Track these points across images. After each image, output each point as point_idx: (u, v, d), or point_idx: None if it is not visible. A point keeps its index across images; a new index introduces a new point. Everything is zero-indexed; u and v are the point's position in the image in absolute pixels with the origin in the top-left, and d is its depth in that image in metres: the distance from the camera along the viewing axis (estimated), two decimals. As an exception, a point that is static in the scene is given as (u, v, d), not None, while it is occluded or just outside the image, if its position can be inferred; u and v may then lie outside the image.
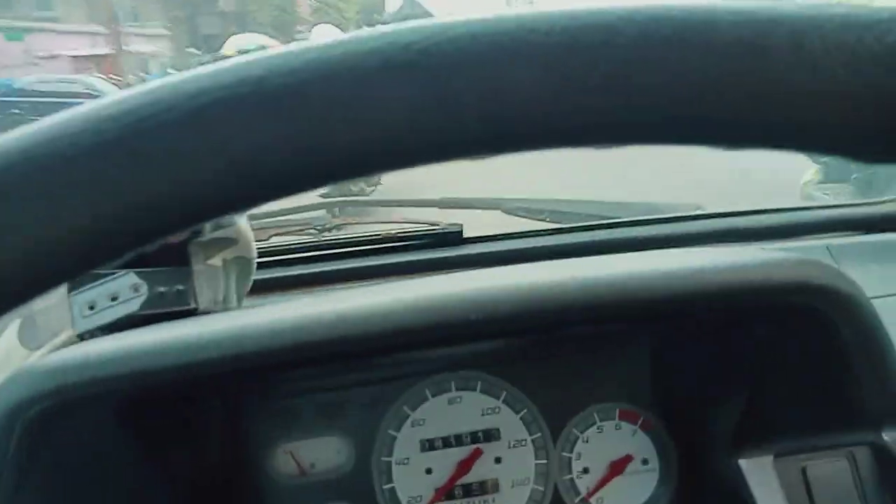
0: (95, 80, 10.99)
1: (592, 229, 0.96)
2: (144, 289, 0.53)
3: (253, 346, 0.43)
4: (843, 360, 0.51)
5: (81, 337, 0.50)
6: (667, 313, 0.58)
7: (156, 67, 18.44)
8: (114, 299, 0.51)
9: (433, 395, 0.67)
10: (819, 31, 0.18)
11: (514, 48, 0.18)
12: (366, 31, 0.19)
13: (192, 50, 19.55)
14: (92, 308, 0.51)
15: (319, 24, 5.38)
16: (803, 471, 0.57)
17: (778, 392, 0.57)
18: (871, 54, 0.17)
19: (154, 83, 0.18)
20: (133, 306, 0.53)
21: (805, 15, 0.18)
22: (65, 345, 0.48)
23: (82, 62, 16.63)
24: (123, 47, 17.28)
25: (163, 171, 0.17)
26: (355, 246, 0.91)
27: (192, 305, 0.59)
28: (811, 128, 0.19)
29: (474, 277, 0.71)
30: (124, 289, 0.52)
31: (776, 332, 0.54)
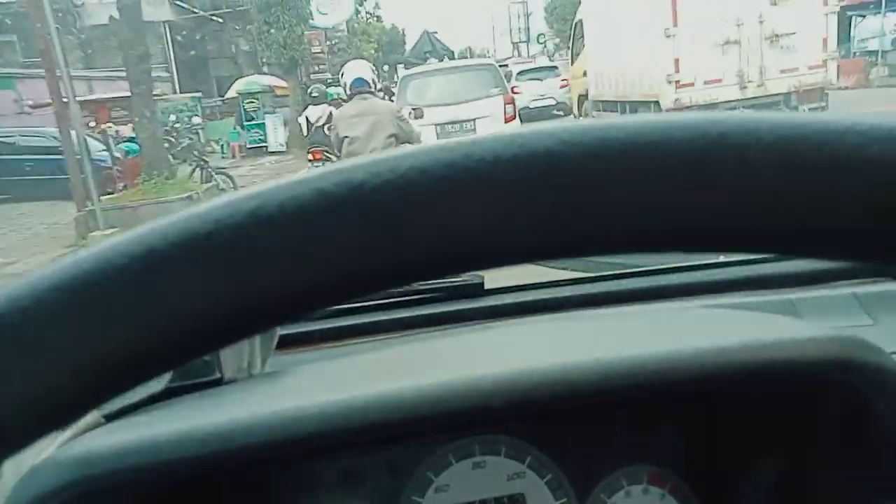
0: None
1: (616, 278, 0.95)
2: (169, 366, 0.53)
3: (278, 436, 0.43)
4: (879, 433, 0.49)
5: (108, 417, 0.50)
6: (695, 394, 0.57)
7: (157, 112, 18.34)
8: (139, 378, 0.52)
9: (457, 461, 0.66)
10: (758, 142, 0.18)
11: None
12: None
13: (197, 94, 19.78)
14: (118, 388, 0.51)
15: (352, 59, 5.24)
16: None
17: (813, 460, 0.56)
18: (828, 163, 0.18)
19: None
20: (159, 385, 0.53)
21: (745, 127, 0.18)
22: (90, 427, 0.48)
23: (91, 106, 16.31)
24: (116, 94, 16.62)
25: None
26: (377, 300, 0.91)
27: (217, 375, 0.59)
28: (758, 233, 0.19)
29: (493, 341, 0.70)
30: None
31: (810, 407, 0.53)
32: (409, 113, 5.09)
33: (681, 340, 0.50)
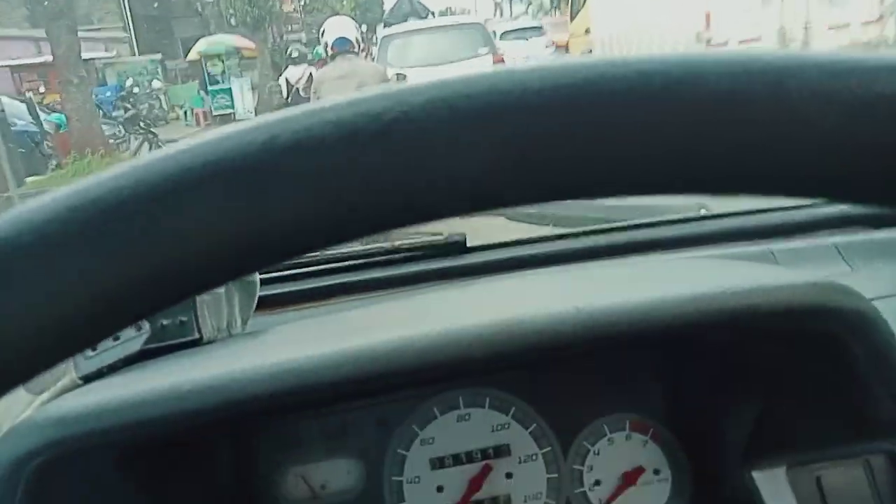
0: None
1: (597, 234, 0.95)
2: (146, 326, 0.53)
3: (255, 392, 0.43)
4: (855, 374, 0.50)
5: (84, 379, 0.49)
6: (676, 339, 0.57)
7: (112, 76, 16.06)
8: (116, 339, 0.51)
9: (441, 413, 0.67)
10: (800, 78, 0.17)
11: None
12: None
13: (157, 55, 17.66)
14: (94, 350, 0.51)
15: (333, 15, 4.84)
16: (818, 480, 0.56)
17: (790, 403, 0.56)
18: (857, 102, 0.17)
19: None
20: (135, 345, 0.52)
21: (785, 63, 0.18)
22: (67, 388, 0.48)
23: (25, 72, 14.82)
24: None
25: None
26: (358, 259, 0.90)
27: (196, 336, 0.58)
28: (795, 175, 0.18)
29: (474, 296, 0.70)
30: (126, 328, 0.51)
31: (788, 348, 0.53)
32: (394, 76, 4.93)
33: (660, 288, 0.50)
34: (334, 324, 0.67)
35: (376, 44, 7.62)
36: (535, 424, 0.67)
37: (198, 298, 0.60)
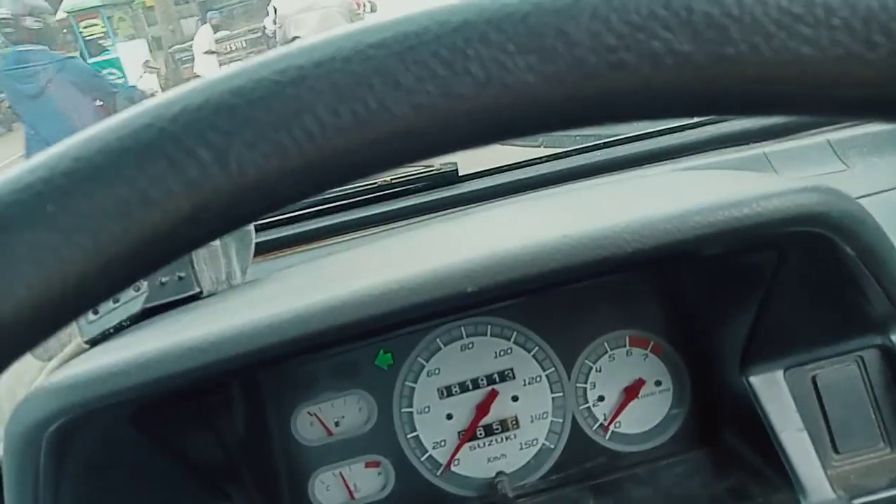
0: None
1: (589, 150, 0.94)
2: (145, 285, 0.53)
3: (260, 343, 0.43)
4: (846, 273, 0.51)
5: (91, 343, 0.50)
6: (670, 256, 0.58)
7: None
8: (116, 301, 0.52)
9: (445, 344, 0.68)
10: None
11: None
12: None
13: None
14: (96, 313, 0.51)
15: None
16: (813, 380, 0.58)
17: (783, 307, 0.57)
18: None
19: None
20: (136, 305, 0.53)
21: None
22: (75, 353, 0.49)
23: None
24: None
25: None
26: (353, 197, 0.90)
27: (197, 290, 0.59)
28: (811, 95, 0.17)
29: (467, 228, 0.71)
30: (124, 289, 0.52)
31: (779, 254, 0.54)
32: (365, 6, 4.78)
33: (649, 206, 0.50)
34: (332, 267, 0.67)
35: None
36: (536, 347, 0.69)
37: (194, 253, 0.60)
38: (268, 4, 4.07)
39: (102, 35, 10.26)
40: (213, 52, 6.53)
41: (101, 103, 3.17)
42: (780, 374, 0.58)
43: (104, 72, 8.73)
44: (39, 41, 2.96)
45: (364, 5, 4.95)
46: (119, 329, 0.52)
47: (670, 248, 0.45)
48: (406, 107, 0.16)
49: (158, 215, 0.17)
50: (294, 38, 3.94)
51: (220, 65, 7.22)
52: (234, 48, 8.84)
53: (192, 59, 7.25)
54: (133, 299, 0.52)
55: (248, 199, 0.17)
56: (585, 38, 0.16)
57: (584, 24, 0.16)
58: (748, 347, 0.59)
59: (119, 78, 9.15)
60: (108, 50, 9.83)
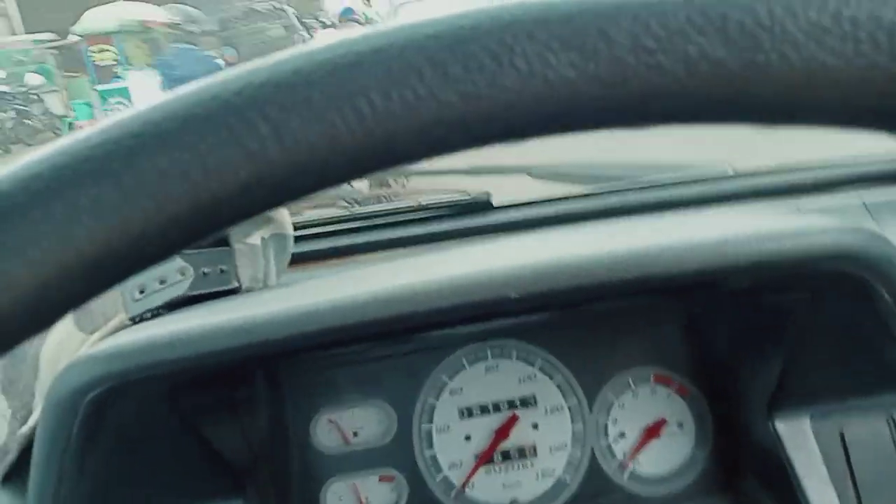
0: None
1: (622, 192, 0.95)
2: (190, 271, 0.54)
3: (295, 329, 0.44)
4: (882, 324, 0.51)
5: (133, 320, 0.52)
6: (702, 285, 0.58)
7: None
8: (162, 283, 0.53)
9: (470, 364, 0.69)
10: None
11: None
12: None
13: (47, 34, 11.53)
14: (142, 292, 0.53)
15: None
16: (841, 433, 0.57)
17: (815, 354, 0.57)
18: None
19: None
20: (180, 289, 0.54)
21: None
22: (118, 329, 0.50)
23: None
24: None
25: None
26: (386, 217, 0.92)
27: (235, 284, 0.60)
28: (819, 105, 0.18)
29: (504, 246, 0.72)
30: (171, 272, 0.53)
31: (813, 295, 0.54)
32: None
33: (685, 235, 0.51)
34: (365, 274, 0.69)
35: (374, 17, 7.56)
36: (560, 376, 0.69)
37: (235, 249, 0.62)
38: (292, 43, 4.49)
39: (114, 62, 9.98)
40: None
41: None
42: (807, 422, 0.58)
43: (111, 100, 9.17)
44: (190, 41, 4.15)
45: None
46: (161, 310, 0.54)
47: (708, 273, 0.46)
48: (452, 94, 0.17)
49: (216, 182, 0.18)
50: None
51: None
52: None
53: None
54: (178, 283, 0.53)
55: (300, 174, 0.18)
56: (625, 40, 0.17)
57: (625, 27, 0.17)
58: (776, 392, 0.59)
59: (126, 107, 8.81)
60: (119, 77, 9.54)
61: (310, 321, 0.45)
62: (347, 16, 4.50)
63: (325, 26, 7.39)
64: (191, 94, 0.18)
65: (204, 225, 0.19)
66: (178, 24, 4.08)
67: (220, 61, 4.60)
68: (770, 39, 0.16)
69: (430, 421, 0.68)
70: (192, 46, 4.47)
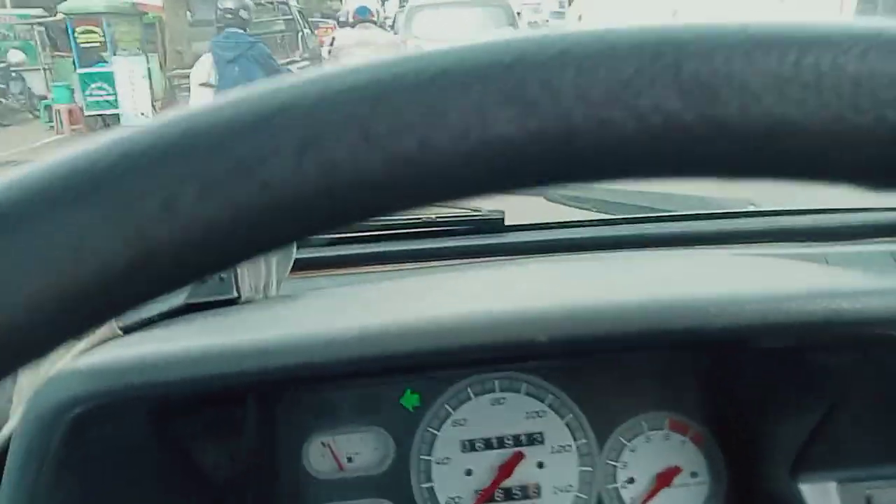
0: None
1: (638, 222, 0.92)
2: (189, 280, 0.50)
3: (295, 360, 0.41)
4: None
5: (125, 330, 0.47)
6: (736, 342, 0.55)
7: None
8: (158, 291, 0.49)
9: (476, 395, 0.65)
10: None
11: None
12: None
13: (34, 10, 10.72)
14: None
15: None
16: (868, 500, 0.54)
17: (850, 416, 0.54)
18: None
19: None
20: (178, 299, 0.50)
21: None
22: (107, 337, 0.46)
23: None
24: None
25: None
26: (396, 229, 0.88)
27: (234, 294, 0.56)
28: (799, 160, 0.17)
29: (521, 276, 0.68)
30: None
31: (857, 357, 0.51)
32: (414, 48, 5.13)
33: (723, 285, 0.47)
34: (369, 294, 0.65)
35: (388, 16, 7.65)
36: (571, 415, 0.65)
37: None
38: (296, 37, 4.62)
39: (100, 45, 9.05)
40: (210, 86, 6.03)
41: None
42: (833, 486, 0.54)
43: (93, 85, 8.67)
44: (242, 26, 4.41)
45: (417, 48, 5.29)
46: (155, 320, 0.49)
47: (755, 333, 0.42)
48: (377, 160, 0.16)
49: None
50: None
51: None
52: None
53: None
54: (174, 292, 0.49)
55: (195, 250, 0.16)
56: (570, 92, 0.15)
57: (570, 78, 0.15)
58: (804, 452, 0.56)
59: (108, 95, 8.69)
60: (105, 62, 8.79)
61: (312, 352, 0.41)
62: (363, 15, 4.49)
63: (341, 24, 7.46)
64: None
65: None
66: (230, 8, 4.40)
67: (263, 45, 4.69)
68: (728, 90, 0.15)
69: (430, 452, 0.64)
70: (240, 31, 4.52)
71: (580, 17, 10.45)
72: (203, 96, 5.63)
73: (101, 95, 8.80)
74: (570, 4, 11.90)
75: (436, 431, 0.64)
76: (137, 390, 0.40)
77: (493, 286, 0.64)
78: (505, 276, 0.69)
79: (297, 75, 0.17)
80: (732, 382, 0.64)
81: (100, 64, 8.85)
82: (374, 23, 4.57)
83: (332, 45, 6.12)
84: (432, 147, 0.16)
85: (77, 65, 9.03)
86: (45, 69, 10.37)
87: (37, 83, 10.38)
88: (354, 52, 4.33)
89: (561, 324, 0.43)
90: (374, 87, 0.16)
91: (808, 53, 0.15)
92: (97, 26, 8.98)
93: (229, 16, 4.49)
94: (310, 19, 10.65)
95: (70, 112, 8.98)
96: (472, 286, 0.63)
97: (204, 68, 5.54)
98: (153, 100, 8.71)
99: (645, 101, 0.15)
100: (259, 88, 0.17)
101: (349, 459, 0.64)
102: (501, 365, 0.64)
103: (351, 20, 4.53)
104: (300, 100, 0.16)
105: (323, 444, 0.64)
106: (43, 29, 10.58)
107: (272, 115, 0.16)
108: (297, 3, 9.53)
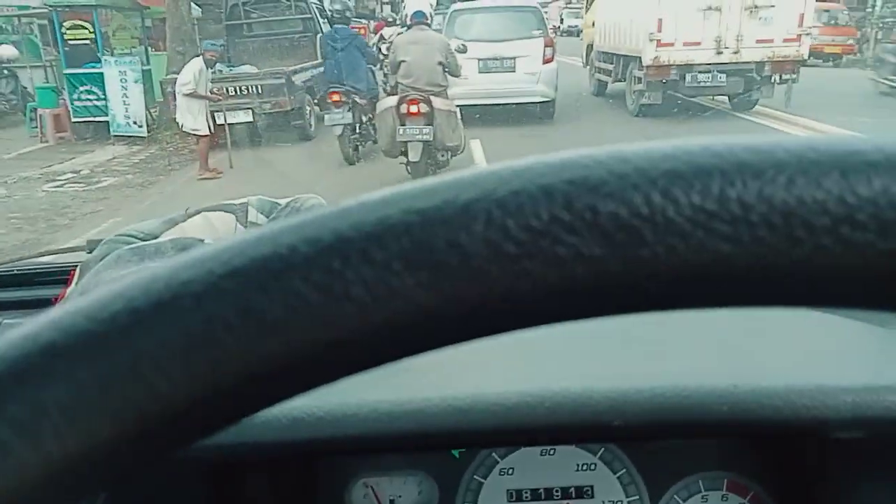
0: None
1: None
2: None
3: (355, 432, 0.39)
4: None
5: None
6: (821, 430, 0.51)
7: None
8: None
9: (525, 445, 0.62)
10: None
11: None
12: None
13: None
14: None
15: None
16: None
17: None
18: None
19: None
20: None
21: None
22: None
23: None
24: None
25: None
26: None
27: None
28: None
29: (598, 342, 0.64)
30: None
31: None
32: (456, 48, 5.38)
33: (824, 368, 0.44)
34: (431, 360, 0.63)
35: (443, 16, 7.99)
36: (624, 470, 0.62)
37: None
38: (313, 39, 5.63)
39: (89, 42, 8.02)
40: (199, 97, 5.66)
41: (370, 66, 5.89)
42: None
43: (81, 88, 7.50)
44: (346, 22, 5.86)
45: (460, 46, 5.72)
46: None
47: (864, 423, 0.39)
48: (276, 344, 0.15)
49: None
50: (401, 62, 4.83)
51: (212, 112, 6.00)
52: (239, 92, 6.78)
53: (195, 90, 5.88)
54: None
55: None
56: (481, 249, 0.15)
57: (479, 233, 0.15)
58: None
59: (98, 100, 7.56)
60: (95, 62, 7.79)
61: (371, 426, 0.39)
62: (419, 19, 4.91)
63: (389, 24, 7.96)
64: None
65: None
66: (338, 9, 5.75)
67: (362, 38, 5.95)
68: (652, 231, 0.14)
69: (475, 500, 0.62)
70: (345, 26, 5.74)
71: (593, 24, 10.60)
72: (189, 109, 5.35)
73: (89, 100, 7.83)
74: (587, 10, 12.00)
75: (482, 479, 0.62)
76: (206, 450, 0.39)
77: (560, 351, 0.61)
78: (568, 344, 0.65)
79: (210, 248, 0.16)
80: (798, 451, 0.60)
81: (89, 65, 7.87)
82: (428, 25, 4.99)
83: (379, 41, 7.01)
84: (335, 325, 0.15)
85: (64, 64, 8.05)
86: (45, 66, 9.54)
87: (38, 82, 9.27)
88: (410, 49, 4.81)
89: (640, 409, 0.40)
90: (259, 266, 0.15)
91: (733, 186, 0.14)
92: (87, 21, 8.00)
93: (338, 15, 5.82)
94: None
95: (56, 117, 7.98)
96: (536, 346, 0.60)
97: (191, 75, 5.20)
98: (148, 107, 7.81)
99: (563, 250, 0.15)
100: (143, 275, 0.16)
101: (391, 502, 0.63)
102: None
103: (409, 22, 5.02)
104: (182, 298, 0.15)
105: (366, 485, 0.62)
106: (45, 23, 9.59)
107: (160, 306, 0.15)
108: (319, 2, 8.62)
